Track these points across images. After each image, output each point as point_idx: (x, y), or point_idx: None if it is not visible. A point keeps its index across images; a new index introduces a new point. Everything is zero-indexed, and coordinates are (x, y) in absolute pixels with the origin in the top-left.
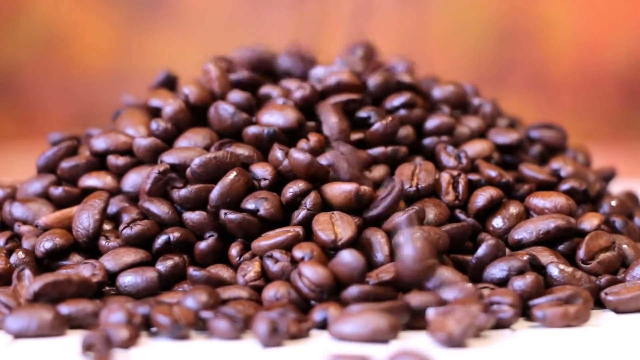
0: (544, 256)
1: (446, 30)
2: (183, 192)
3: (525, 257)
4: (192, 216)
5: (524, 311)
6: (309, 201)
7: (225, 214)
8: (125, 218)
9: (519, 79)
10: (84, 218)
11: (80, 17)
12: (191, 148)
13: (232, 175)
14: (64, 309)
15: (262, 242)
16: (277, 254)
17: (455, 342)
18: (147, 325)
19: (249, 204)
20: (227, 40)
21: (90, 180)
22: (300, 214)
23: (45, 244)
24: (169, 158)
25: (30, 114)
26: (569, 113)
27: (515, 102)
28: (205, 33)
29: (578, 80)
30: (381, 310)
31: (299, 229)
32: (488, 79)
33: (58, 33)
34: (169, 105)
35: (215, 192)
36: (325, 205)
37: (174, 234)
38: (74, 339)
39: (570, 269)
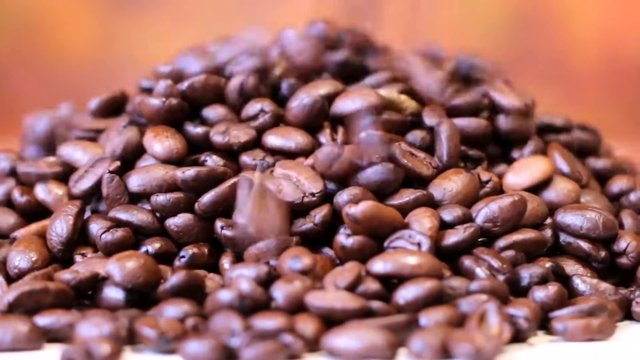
0: (569, 265)
1: (457, 16)
2: (160, 198)
3: (548, 265)
4: (176, 221)
5: (545, 324)
6: (318, 216)
7: (222, 227)
8: (96, 227)
9: (536, 70)
10: (57, 224)
11: (60, 2)
12: (153, 167)
13: (229, 183)
14: (41, 320)
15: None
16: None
17: (483, 358)
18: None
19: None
20: (220, 27)
21: (40, 191)
22: (304, 225)
23: (21, 263)
24: (134, 181)
25: (6, 106)
26: (590, 106)
27: (533, 95)
28: (197, 19)
29: (600, 72)
30: (379, 327)
31: (295, 238)
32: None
33: (36, 20)
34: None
35: (209, 198)
36: (337, 217)
37: (154, 245)
38: (52, 353)
39: (594, 281)
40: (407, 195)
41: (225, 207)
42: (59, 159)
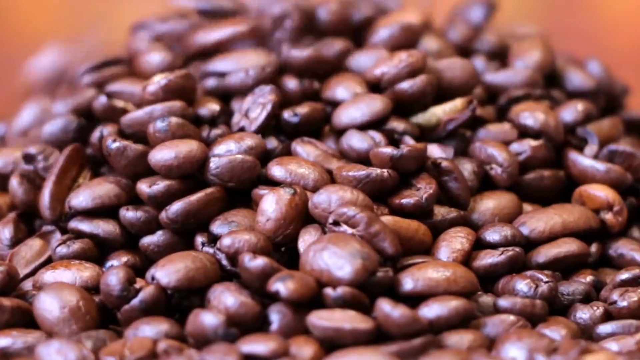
0: None
1: None
2: (130, 214)
3: (589, 279)
4: (155, 239)
5: None
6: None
7: (203, 244)
8: (54, 240)
9: (572, 49)
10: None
11: None
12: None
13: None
14: None
15: None
16: None
17: None
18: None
19: (218, 227)
20: None
21: None
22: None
23: None
24: (75, 200)
25: None
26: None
27: None
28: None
29: (637, 55)
30: (388, 352)
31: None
32: None
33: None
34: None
35: (179, 206)
36: None
37: (121, 259)
38: None
39: (637, 297)
40: (441, 215)
41: (198, 219)
42: None
